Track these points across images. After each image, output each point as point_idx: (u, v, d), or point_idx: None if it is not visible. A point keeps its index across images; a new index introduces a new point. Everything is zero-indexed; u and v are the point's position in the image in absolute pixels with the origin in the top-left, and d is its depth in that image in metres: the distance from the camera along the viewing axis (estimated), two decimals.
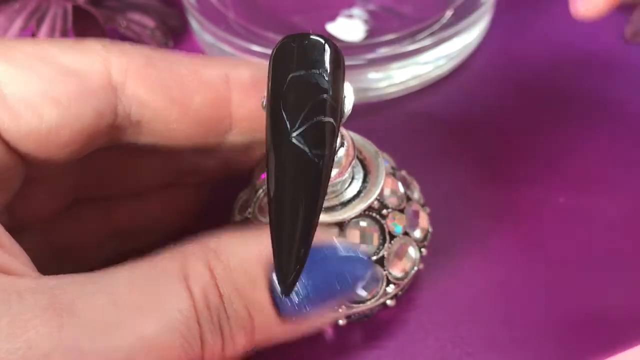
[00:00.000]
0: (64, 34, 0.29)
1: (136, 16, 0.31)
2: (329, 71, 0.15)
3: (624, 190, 0.25)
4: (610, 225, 0.24)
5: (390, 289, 0.20)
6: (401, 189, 0.21)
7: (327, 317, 0.18)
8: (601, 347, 0.21)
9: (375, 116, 0.29)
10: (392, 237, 0.20)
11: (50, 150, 0.17)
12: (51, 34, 0.29)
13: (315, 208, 0.15)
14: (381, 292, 0.20)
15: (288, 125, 0.15)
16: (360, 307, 0.20)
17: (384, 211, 0.20)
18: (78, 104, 0.17)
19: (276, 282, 0.16)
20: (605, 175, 0.26)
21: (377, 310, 0.21)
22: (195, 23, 0.30)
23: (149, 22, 0.31)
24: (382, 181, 0.20)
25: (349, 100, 0.16)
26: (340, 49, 0.16)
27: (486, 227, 0.24)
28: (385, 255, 0.20)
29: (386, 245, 0.20)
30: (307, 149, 0.14)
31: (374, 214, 0.20)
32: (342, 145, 0.18)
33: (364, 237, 0.20)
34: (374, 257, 0.20)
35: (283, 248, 0.15)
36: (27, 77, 0.17)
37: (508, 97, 0.29)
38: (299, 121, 0.15)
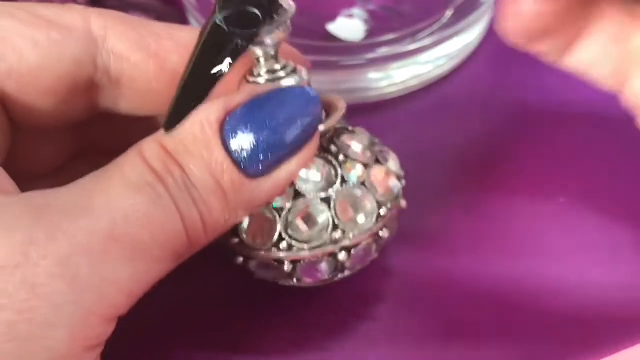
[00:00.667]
0: None
1: (136, 16, 0.31)
2: None
3: (624, 189, 0.25)
4: (610, 224, 0.24)
5: (338, 234, 0.20)
6: (372, 152, 0.21)
7: (295, 165, 0.18)
8: (602, 345, 0.21)
9: (375, 116, 0.29)
10: (344, 181, 0.20)
11: (32, 94, 0.18)
12: None
13: (223, 69, 0.17)
14: (326, 236, 0.20)
15: (217, 10, 0.17)
16: (304, 252, 0.20)
17: (341, 157, 0.20)
18: (58, 49, 0.18)
19: (230, 140, 0.17)
20: (606, 174, 0.26)
21: (325, 260, 0.20)
22: (196, 23, 0.30)
23: None
24: (338, 118, 0.20)
25: (287, 6, 0.18)
26: None
27: (485, 226, 0.24)
28: (334, 197, 0.20)
29: (336, 187, 0.20)
30: (226, 28, 0.17)
31: (328, 157, 0.20)
32: (293, 72, 0.19)
33: (312, 169, 0.20)
34: (322, 195, 0.20)
35: (184, 97, 0.17)
36: (9, 21, 0.18)
37: (508, 96, 0.29)
38: (228, 9, 0.17)
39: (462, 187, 0.26)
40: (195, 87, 0.17)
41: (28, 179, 0.18)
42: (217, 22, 0.17)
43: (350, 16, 0.30)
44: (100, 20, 0.19)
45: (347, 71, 0.28)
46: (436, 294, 0.22)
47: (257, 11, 0.17)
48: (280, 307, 0.22)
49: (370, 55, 0.28)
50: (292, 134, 0.18)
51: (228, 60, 0.17)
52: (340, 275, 0.21)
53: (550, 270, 0.23)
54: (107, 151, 0.21)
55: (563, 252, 0.24)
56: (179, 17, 0.32)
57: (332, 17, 0.30)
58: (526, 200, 0.25)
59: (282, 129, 0.17)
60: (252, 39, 0.17)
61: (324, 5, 0.31)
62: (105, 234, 0.15)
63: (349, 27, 0.29)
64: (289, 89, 0.18)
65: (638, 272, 0.22)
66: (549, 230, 0.24)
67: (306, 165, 0.19)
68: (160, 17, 0.31)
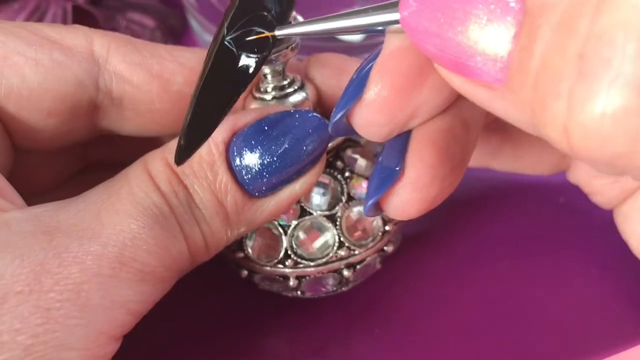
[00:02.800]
0: None
1: (136, 16, 0.31)
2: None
3: None
4: (610, 225, 0.24)
5: (343, 251, 0.20)
6: None
7: (299, 188, 0.18)
8: (602, 344, 0.21)
9: None
10: (351, 198, 0.20)
11: (33, 115, 0.18)
12: None
13: (234, 94, 0.16)
14: (332, 253, 0.20)
15: (225, 32, 0.16)
16: (310, 268, 0.20)
17: (347, 173, 0.20)
18: (60, 69, 0.18)
19: (236, 160, 0.17)
20: None
21: (331, 276, 0.20)
22: (195, 23, 0.30)
23: (149, 22, 0.31)
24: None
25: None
26: None
27: (483, 226, 0.24)
28: (339, 214, 0.20)
29: (342, 204, 0.20)
30: (235, 50, 0.16)
31: (334, 172, 0.20)
32: (300, 89, 0.19)
33: (319, 186, 0.20)
34: (327, 212, 0.20)
35: (193, 126, 0.16)
36: (11, 41, 0.18)
37: None
38: (235, 29, 0.16)
39: (460, 186, 0.26)
40: (204, 115, 0.16)
41: (30, 195, 0.18)
42: (225, 43, 0.16)
43: None
44: (102, 41, 0.19)
45: None
46: (438, 302, 0.23)
47: (265, 31, 0.16)
48: (284, 316, 0.22)
49: None
50: (297, 157, 0.17)
51: (239, 84, 0.16)
52: (343, 288, 0.21)
53: (552, 274, 0.23)
54: (110, 166, 0.21)
55: (562, 254, 0.24)
56: (179, 17, 0.32)
57: None
58: (528, 201, 0.25)
59: (288, 152, 0.17)
60: (263, 61, 0.16)
61: (324, 5, 0.31)
62: (114, 257, 0.16)
63: None
64: (298, 112, 0.18)
65: (637, 273, 0.22)
66: (550, 233, 0.24)
67: (310, 188, 0.19)
68: (161, 17, 0.31)
